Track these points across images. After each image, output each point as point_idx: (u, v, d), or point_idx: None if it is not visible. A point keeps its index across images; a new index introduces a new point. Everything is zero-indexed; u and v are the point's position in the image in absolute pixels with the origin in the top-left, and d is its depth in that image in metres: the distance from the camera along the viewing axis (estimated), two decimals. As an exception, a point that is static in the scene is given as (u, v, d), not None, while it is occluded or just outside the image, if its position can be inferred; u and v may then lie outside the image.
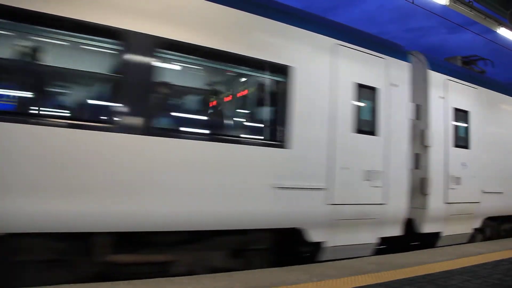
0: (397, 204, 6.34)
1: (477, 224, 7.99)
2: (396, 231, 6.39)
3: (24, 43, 4.11)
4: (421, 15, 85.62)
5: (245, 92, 5.46)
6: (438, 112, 7.27)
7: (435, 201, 7.03)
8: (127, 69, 4.21)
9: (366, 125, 6.07)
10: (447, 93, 7.45)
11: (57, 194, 3.77)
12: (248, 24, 5.07)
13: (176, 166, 4.41)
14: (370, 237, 6.05)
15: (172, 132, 4.60)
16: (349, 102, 5.88)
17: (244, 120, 5.45)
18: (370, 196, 6.00)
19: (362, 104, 6.05)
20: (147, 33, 4.27)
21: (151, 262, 4.55)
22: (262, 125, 5.40)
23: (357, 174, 5.87)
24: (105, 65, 4.51)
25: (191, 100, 5.10)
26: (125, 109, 4.20)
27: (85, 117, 4.47)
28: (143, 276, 4.13)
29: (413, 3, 9.51)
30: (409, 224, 6.89)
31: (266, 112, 5.43)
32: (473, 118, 7.91)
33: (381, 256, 5.98)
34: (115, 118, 4.16)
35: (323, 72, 5.66)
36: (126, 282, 3.93)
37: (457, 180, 7.41)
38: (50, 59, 4.26)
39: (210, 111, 5.43)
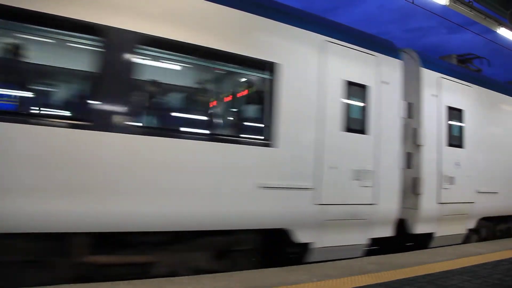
0: (388, 204, 6.21)
1: (472, 224, 7.85)
2: (387, 232, 6.26)
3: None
4: (421, 15, 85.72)
5: (230, 89, 5.34)
6: (431, 111, 7.14)
7: (427, 201, 6.90)
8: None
9: (356, 124, 5.94)
10: (440, 91, 7.32)
11: (33, 194, 3.65)
12: (232, 20, 4.95)
13: (156, 165, 4.29)
14: (360, 238, 5.92)
15: (152, 130, 4.49)
16: (338, 100, 5.75)
17: (228, 118, 5.33)
18: (360, 196, 5.87)
19: (351, 102, 5.93)
20: (126, 29, 4.15)
21: (131, 263, 4.43)
22: (247, 123, 5.29)
23: (346, 173, 5.74)
24: (82, 61, 4.39)
25: (173, 98, 4.98)
26: (101, 106, 4.09)
27: (60, 115, 4.35)
28: (123, 278, 4.01)
29: (413, 3, 9.50)
30: (401, 225, 6.77)
31: (251, 110, 5.32)
32: (467, 117, 7.77)
33: (381, 256, 5.94)
34: (91, 116, 4.04)
35: (311, 69, 5.53)
36: (126, 282, 3.91)
37: (451, 180, 7.28)
38: (26, 55, 4.15)
39: (192, 108, 5.31)
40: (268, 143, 5.04)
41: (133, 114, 4.30)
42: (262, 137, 5.06)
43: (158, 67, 4.80)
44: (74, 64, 4.48)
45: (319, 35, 5.65)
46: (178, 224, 4.44)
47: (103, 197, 3.99)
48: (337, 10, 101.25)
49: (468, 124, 7.76)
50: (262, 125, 5.11)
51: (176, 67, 5.00)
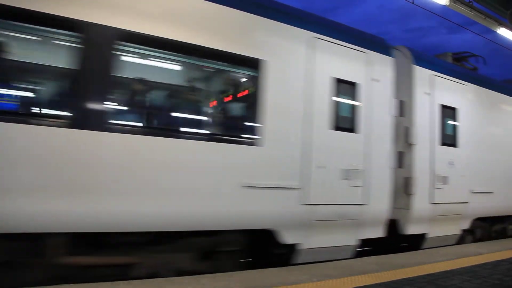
0: (379, 205, 6.08)
1: (466, 225, 7.71)
2: (378, 232, 6.13)
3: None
4: (421, 15, 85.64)
5: (213, 87, 5.21)
6: (424, 109, 7.01)
7: (420, 202, 6.77)
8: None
9: (345, 122, 5.81)
10: (433, 89, 7.19)
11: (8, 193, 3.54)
12: (215, 15, 4.82)
13: (137, 164, 4.17)
14: (349, 238, 5.79)
15: (132, 127, 4.36)
16: (326, 98, 5.62)
17: (211, 116, 5.20)
18: (349, 196, 5.74)
19: (341, 100, 5.80)
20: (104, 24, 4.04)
21: (112, 265, 4.31)
22: (230, 121, 5.16)
23: (335, 173, 5.61)
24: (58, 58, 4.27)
25: (154, 95, 4.85)
26: (78, 103, 3.97)
27: (35, 112, 4.23)
28: (103, 279, 3.91)
29: (413, 3, 9.48)
30: (393, 226, 6.64)
31: (234, 107, 5.20)
32: (461, 115, 7.63)
33: (381, 256, 5.91)
34: (66, 113, 3.92)
35: (298, 66, 5.41)
36: (126, 282, 3.90)
37: (444, 180, 7.14)
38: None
39: (173, 106, 5.17)
40: (252, 142, 4.91)
41: (110, 111, 4.18)
42: (246, 136, 4.93)
43: (137, 63, 4.67)
44: (50, 61, 4.35)
45: (307, 31, 5.52)
46: (158, 225, 4.31)
47: (80, 197, 3.87)
48: (337, 10, 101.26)
49: (462, 122, 7.62)
50: (247, 123, 4.98)
51: (156, 63, 4.86)
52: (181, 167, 4.41)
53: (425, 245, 6.98)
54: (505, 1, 10.73)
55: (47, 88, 4.49)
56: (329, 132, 5.60)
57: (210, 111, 5.15)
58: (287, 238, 5.17)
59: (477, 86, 8.17)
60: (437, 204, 7.01)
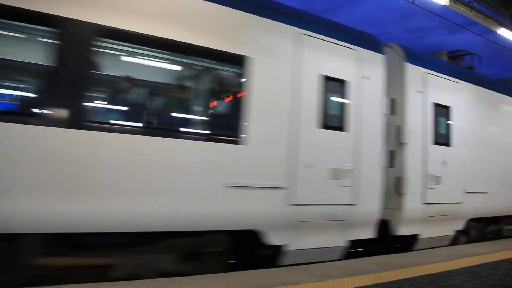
0: (369, 205, 5.95)
1: (460, 225, 7.58)
2: (368, 233, 6.00)
3: None
4: (421, 15, 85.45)
5: (195, 84, 5.07)
6: (416, 107, 6.88)
7: (412, 202, 6.64)
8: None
9: (333, 120, 5.68)
10: (426, 87, 7.06)
11: None
12: (196, 10, 4.69)
13: (115, 162, 4.05)
14: (338, 240, 5.66)
15: (111, 126, 4.23)
16: (314, 96, 5.50)
17: (193, 113, 5.06)
18: (338, 196, 5.61)
19: (329, 98, 5.67)
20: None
21: (90, 266, 4.20)
22: (212, 119, 5.03)
23: (323, 172, 5.48)
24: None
25: (132, 92, 4.72)
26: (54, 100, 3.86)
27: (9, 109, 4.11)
28: (79, 280, 3.79)
29: (413, 3, 9.43)
30: (385, 226, 6.51)
31: (218, 105, 5.07)
32: (455, 114, 7.50)
33: (381, 256, 5.89)
34: (41, 111, 3.82)
35: (285, 63, 5.28)
36: (126, 282, 3.91)
37: (437, 180, 7.01)
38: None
39: (153, 103, 5.03)
40: (236, 140, 4.79)
41: (86, 108, 4.05)
42: (230, 134, 4.81)
43: (116, 60, 4.54)
44: (25, 57, 4.23)
45: (294, 27, 5.40)
46: (135, 225, 4.19)
47: (54, 196, 3.75)
48: (337, 10, 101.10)
49: (456, 121, 7.49)
50: (230, 122, 4.85)
51: (135, 60, 4.74)
52: (159, 166, 4.28)
53: (418, 246, 6.84)
54: (505, 1, 10.70)
55: (22, 85, 4.36)
56: (317, 130, 5.47)
57: (191, 108, 5.02)
58: (273, 239, 5.05)
59: (471, 85, 8.03)
60: (430, 205, 6.88)
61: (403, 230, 6.58)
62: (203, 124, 4.94)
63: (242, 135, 4.82)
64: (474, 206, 7.69)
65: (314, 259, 5.37)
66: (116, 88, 4.66)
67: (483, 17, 10.57)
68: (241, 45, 4.91)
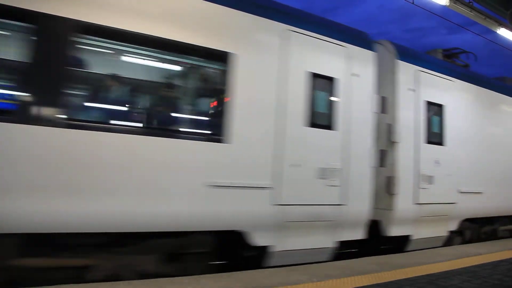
0: (358, 205, 5.82)
1: (454, 226, 7.44)
2: (357, 234, 5.87)
3: None
4: (421, 16, 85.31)
5: (177, 81, 4.95)
6: (408, 106, 6.75)
7: (403, 202, 6.51)
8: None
9: (322, 119, 5.56)
10: (419, 85, 6.93)
11: None
12: (179, 5, 4.58)
13: (92, 162, 3.94)
14: (326, 240, 5.53)
15: (88, 123, 4.11)
16: (301, 93, 5.38)
17: (173, 111, 4.95)
18: (326, 196, 5.49)
19: (317, 96, 5.54)
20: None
21: (67, 267, 4.09)
22: (193, 117, 4.91)
23: (310, 172, 5.36)
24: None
25: (111, 90, 4.60)
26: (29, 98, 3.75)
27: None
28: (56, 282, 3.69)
29: (413, 3, 9.38)
30: (376, 227, 6.39)
31: (200, 102, 4.96)
32: (448, 112, 7.36)
33: (381, 256, 5.89)
34: (18, 108, 3.72)
35: (271, 60, 5.16)
36: (126, 282, 3.93)
37: (430, 179, 6.88)
38: None
39: (131, 100, 4.90)
40: (219, 139, 4.67)
41: (61, 106, 3.94)
42: (211, 132, 4.69)
43: (93, 56, 4.42)
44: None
45: (280, 23, 5.28)
46: (114, 225, 4.07)
47: (31, 195, 3.65)
48: (337, 10, 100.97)
49: (449, 120, 7.35)
50: (212, 119, 4.74)
51: (114, 56, 4.63)
52: (138, 165, 4.17)
53: (410, 247, 6.71)
54: (505, 1, 10.64)
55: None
56: (304, 129, 5.35)
57: (171, 106, 4.90)
58: (258, 240, 4.93)
59: (466, 83, 7.90)
60: (422, 205, 6.75)
61: (394, 230, 6.46)
62: (184, 122, 4.82)
63: (225, 133, 4.70)
64: (468, 206, 7.55)
65: (302, 260, 5.25)
66: (93, 85, 4.54)
67: (483, 17, 10.53)
68: (224, 41, 4.80)
